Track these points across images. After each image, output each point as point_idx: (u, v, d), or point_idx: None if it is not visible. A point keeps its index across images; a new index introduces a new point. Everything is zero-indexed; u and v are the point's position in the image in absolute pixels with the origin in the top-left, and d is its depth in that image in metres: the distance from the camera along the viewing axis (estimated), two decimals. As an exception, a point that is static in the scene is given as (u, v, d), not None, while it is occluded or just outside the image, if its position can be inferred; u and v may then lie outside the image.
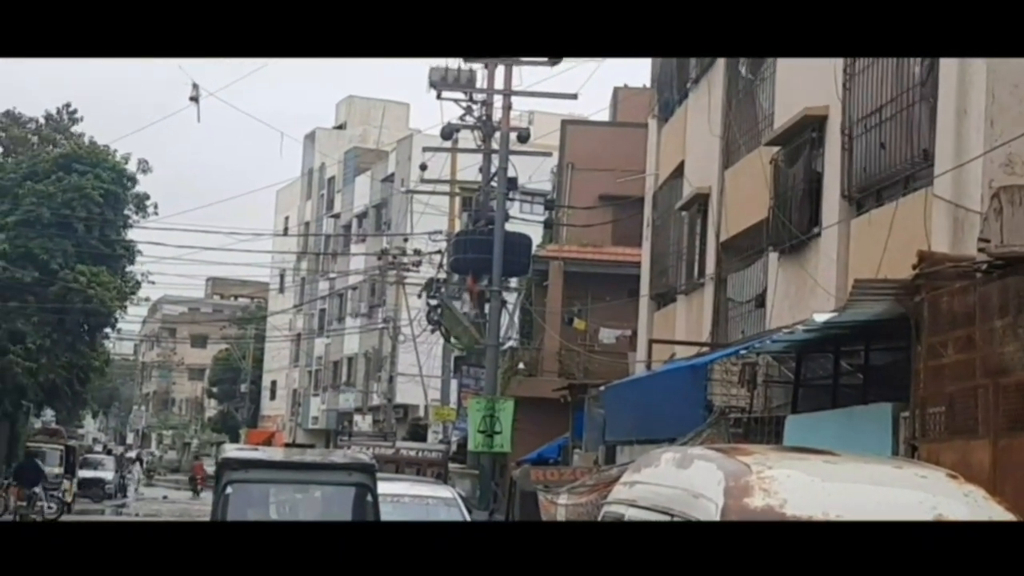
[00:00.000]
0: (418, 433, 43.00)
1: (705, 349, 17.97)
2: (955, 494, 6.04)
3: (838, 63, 14.15)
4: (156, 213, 46.52)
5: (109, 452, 65.47)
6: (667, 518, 6.48)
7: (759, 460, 6.31)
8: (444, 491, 18.17)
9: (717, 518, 5.85)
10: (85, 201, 43.35)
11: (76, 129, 49.95)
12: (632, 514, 7.26)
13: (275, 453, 15.74)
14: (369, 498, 11.93)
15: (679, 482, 6.70)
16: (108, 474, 51.85)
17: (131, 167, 46.55)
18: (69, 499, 40.71)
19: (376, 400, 51.97)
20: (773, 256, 16.71)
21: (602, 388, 19.68)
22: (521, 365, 32.28)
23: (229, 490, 11.54)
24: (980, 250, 7.72)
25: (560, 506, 13.20)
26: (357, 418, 54.27)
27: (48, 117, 50.77)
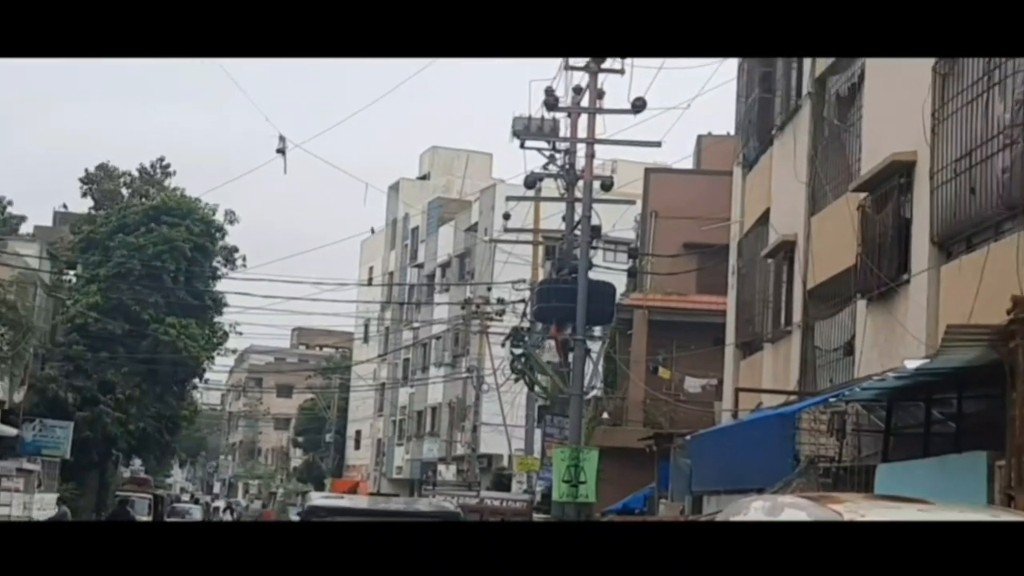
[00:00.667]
0: (502, 483, 42.91)
1: (793, 398, 17.77)
2: (1055, 544, 5.88)
3: (927, 109, 14.00)
4: (244, 266, 47.21)
5: (196, 501, 66.11)
6: (758, 568, 6.39)
7: (851, 508, 6.21)
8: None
9: (809, 568, 5.76)
10: (175, 253, 44.06)
11: (168, 183, 50.90)
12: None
13: (360, 501, 15.78)
14: (454, 547, 11.89)
15: (770, 531, 6.61)
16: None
17: (219, 218, 47.30)
18: (157, 548, 41.06)
19: (460, 450, 51.98)
20: (861, 303, 16.51)
21: (688, 437, 19.52)
22: (605, 415, 32.12)
23: (316, 538, 11.56)
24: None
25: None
26: (441, 467, 54.31)
27: (142, 171, 51.78)
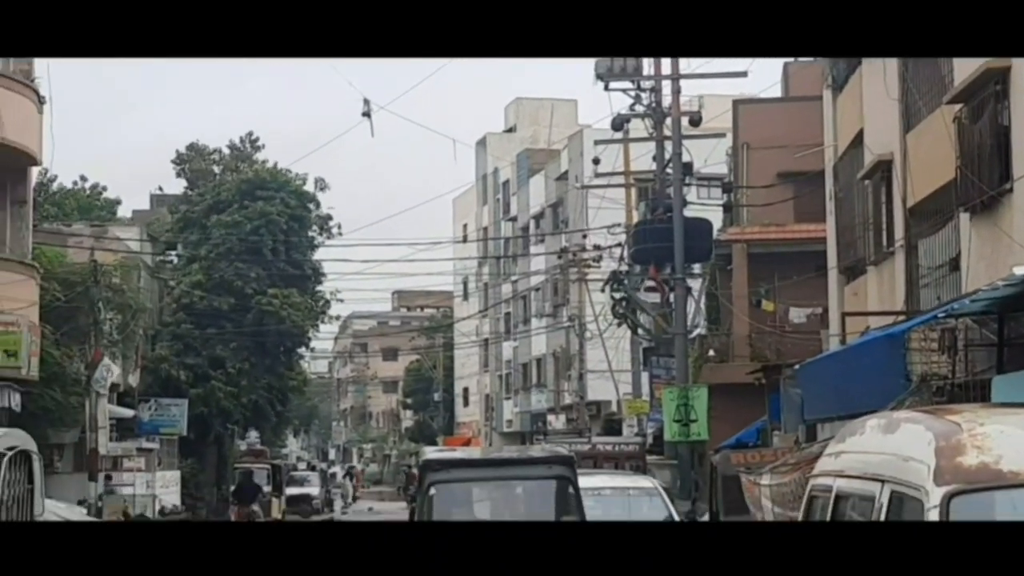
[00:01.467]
0: (612, 428, 42.98)
1: (900, 318, 17.52)
2: None
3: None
4: (340, 233, 47.61)
5: (313, 468, 67.09)
6: (878, 485, 6.32)
7: (969, 418, 6.11)
8: (645, 481, 18.14)
9: (930, 479, 5.69)
10: (271, 227, 44.56)
11: (258, 156, 51.42)
12: (840, 484, 7.12)
13: (474, 452, 15.90)
14: (571, 490, 11.94)
15: (887, 447, 6.53)
16: (314, 490, 53.12)
17: (309, 187, 47.71)
18: (279, 516, 41.83)
19: (568, 399, 52.11)
20: (964, 217, 16.23)
21: (796, 367, 19.34)
22: (711, 352, 32.00)
23: (432, 491, 11.67)
24: None
25: (763, 487, 13.01)
26: (550, 418, 54.51)
27: (232, 147, 52.32)
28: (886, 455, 6.45)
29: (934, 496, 5.60)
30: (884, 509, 6.18)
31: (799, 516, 11.13)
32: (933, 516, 5.56)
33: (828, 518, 7.20)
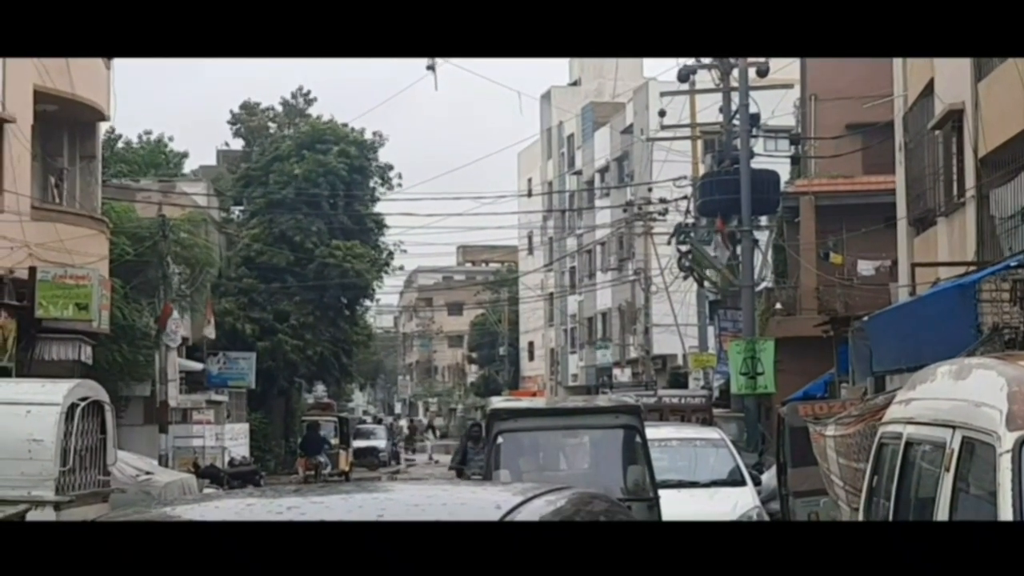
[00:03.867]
0: (678, 382, 42.93)
1: (971, 269, 17.32)
2: None
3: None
4: (400, 184, 47.65)
5: (379, 421, 67.65)
6: (949, 431, 6.29)
7: (1042, 363, 6.06)
8: (712, 433, 18.12)
9: (1002, 424, 5.64)
10: (331, 178, 44.64)
11: (311, 111, 51.50)
12: (911, 431, 7.08)
13: (540, 402, 15.96)
14: (638, 439, 11.96)
15: (958, 393, 6.50)
16: (381, 443, 53.58)
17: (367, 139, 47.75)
18: (346, 468, 42.27)
19: (633, 353, 52.09)
20: (1037, 166, 15.99)
21: (865, 319, 19.21)
22: (778, 305, 31.81)
23: (500, 440, 11.73)
24: None
25: (828, 437, 12.95)
26: (616, 372, 54.53)
27: (284, 103, 52.47)
28: (957, 401, 6.41)
29: (1007, 441, 5.57)
30: (955, 455, 6.15)
31: (866, 466, 11.09)
32: (1006, 461, 5.52)
33: (898, 465, 7.17)
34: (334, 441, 42.33)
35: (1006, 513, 5.40)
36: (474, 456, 19.15)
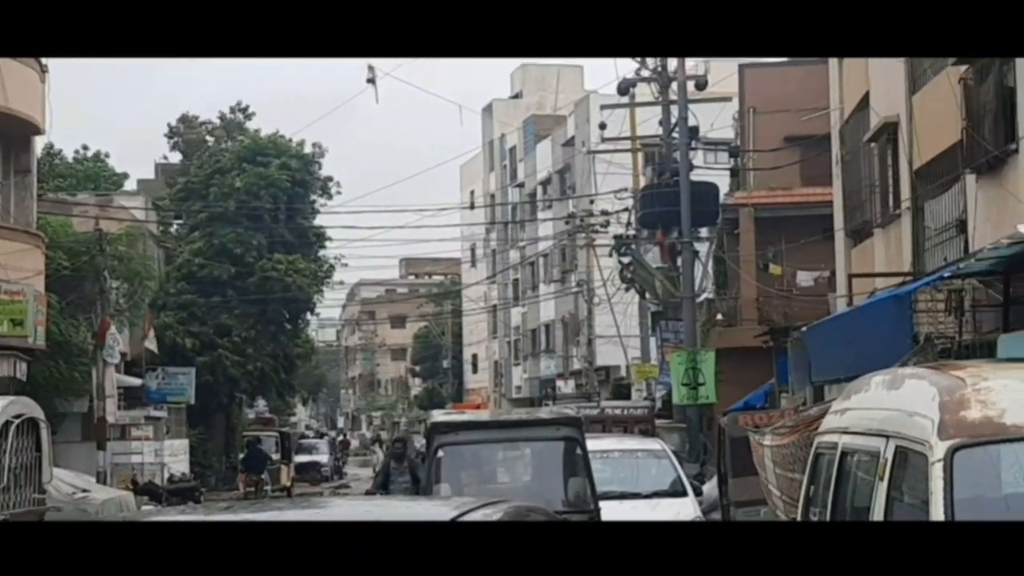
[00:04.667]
0: (621, 393, 43.03)
1: (907, 280, 17.52)
2: None
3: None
4: (340, 192, 47.47)
5: (322, 436, 67.24)
6: (883, 440, 6.35)
7: (973, 373, 6.13)
8: (653, 444, 18.18)
9: (934, 434, 5.71)
10: (273, 191, 44.40)
11: (250, 125, 51.26)
12: (846, 441, 7.14)
13: (482, 415, 15.95)
14: (578, 451, 11.97)
15: (892, 403, 6.56)
16: (323, 457, 53.24)
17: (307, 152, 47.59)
18: (288, 483, 41.99)
19: (577, 364, 52.18)
20: (970, 178, 16.20)
21: (804, 329, 19.35)
22: (719, 316, 32.01)
23: (440, 453, 11.71)
24: None
25: (766, 447, 13.04)
26: (559, 383, 54.59)
27: (222, 117, 52.18)
28: (891, 411, 6.47)
29: (938, 450, 5.63)
30: (889, 464, 6.21)
31: (801, 477, 11.17)
32: (937, 470, 5.58)
33: (834, 474, 7.23)
34: (275, 456, 42.04)
35: (938, 519, 5.46)
36: (397, 477, 17.25)
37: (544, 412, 14.44)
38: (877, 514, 6.22)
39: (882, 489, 6.24)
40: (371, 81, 31.30)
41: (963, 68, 16.06)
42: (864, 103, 22.23)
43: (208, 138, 51.91)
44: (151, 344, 37.04)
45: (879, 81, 21.18)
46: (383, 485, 17.62)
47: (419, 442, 53.76)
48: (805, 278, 29.56)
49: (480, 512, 4.44)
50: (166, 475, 34.76)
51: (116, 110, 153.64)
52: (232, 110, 52.29)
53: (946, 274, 13.45)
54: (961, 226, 16.85)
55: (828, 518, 7.27)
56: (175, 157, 52.71)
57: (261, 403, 57.16)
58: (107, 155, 51.62)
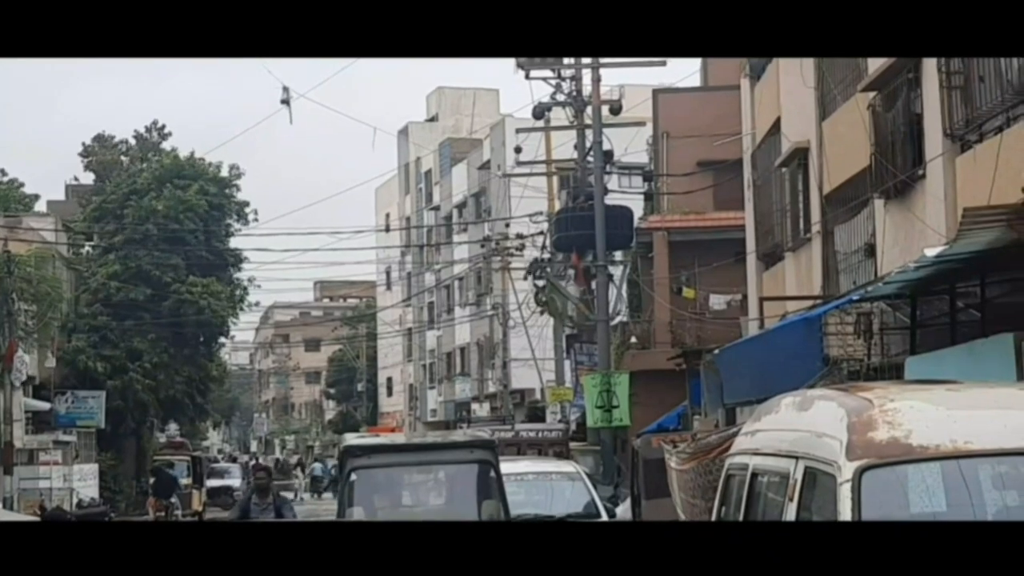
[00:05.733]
0: (536, 416, 43.10)
1: (817, 303, 17.75)
2: (1087, 411, 5.89)
3: None
4: (256, 219, 47.19)
5: (234, 460, 66.57)
6: (792, 461, 6.42)
7: (880, 394, 6.23)
8: (567, 466, 18.21)
9: (842, 455, 5.79)
10: (190, 214, 44.03)
11: (165, 146, 50.76)
12: (756, 462, 7.21)
13: (396, 438, 15.88)
14: (492, 474, 11.97)
15: (801, 424, 6.64)
16: (235, 481, 52.67)
17: (224, 174, 47.27)
18: (200, 508, 41.49)
19: (492, 387, 52.19)
20: (879, 203, 16.47)
21: (716, 352, 19.53)
22: (633, 339, 32.19)
23: (353, 477, 11.65)
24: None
25: (673, 470, 13.15)
26: (475, 406, 54.57)
27: (138, 136, 51.61)
28: (800, 432, 6.55)
29: (846, 471, 5.70)
30: (798, 485, 6.28)
31: (701, 503, 11.26)
32: (845, 490, 5.66)
33: (744, 496, 7.30)
34: (186, 481, 41.55)
35: (846, 541, 5.52)
36: (258, 515, 14.32)
37: (458, 435, 14.43)
38: (787, 534, 6.28)
39: (791, 510, 6.31)
40: (285, 102, 31.18)
41: (871, 94, 16.34)
42: (776, 128, 22.53)
43: (123, 158, 51.26)
44: (51, 362, 36.47)
45: (790, 107, 21.49)
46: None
47: (331, 463, 53.29)
48: (718, 301, 29.85)
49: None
50: (75, 500, 34.19)
51: (27, 130, 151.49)
52: (148, 130, 51.71)
53: (855, 297, 13.66)
54: (870, 250, 17.12)
55: (739, 539, 7.33)
56: (88, 178, 51.99)
57: (173, 427, 56.48)
58: (22, 184, 50.76)
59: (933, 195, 14.44)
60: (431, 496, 12.82)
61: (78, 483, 36.15)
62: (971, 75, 13.51)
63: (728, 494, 7.86)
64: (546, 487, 16.42)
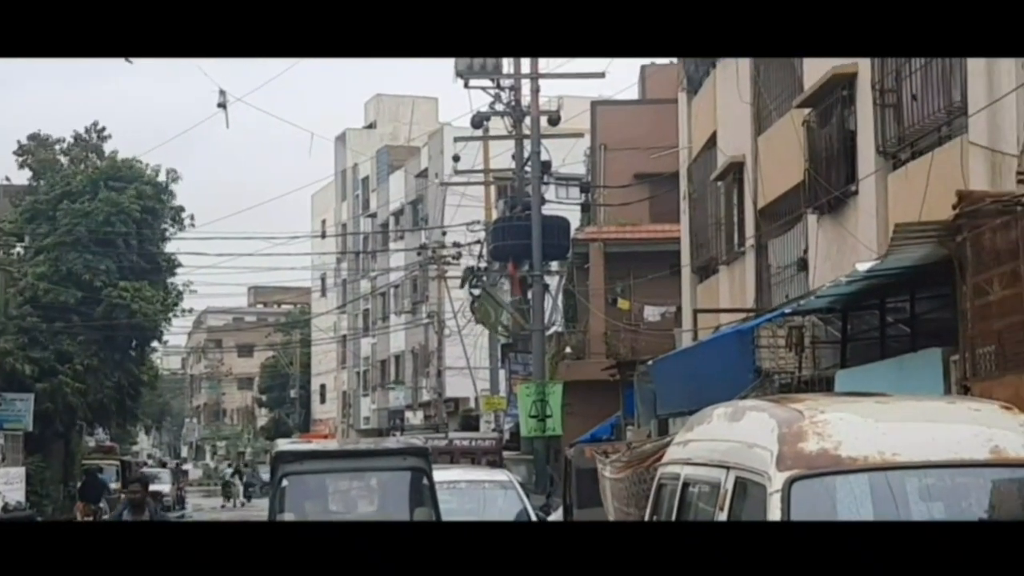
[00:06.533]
0: (470, 424, 43.10)
1: (750, 316, 17.91)
2: (1011, 425, 6.02)
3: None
4: (193, 225, 46.81)
5: (164, 465, 65.96)
6: (723, 471, 6.49)
7: (811, 406, 6.32)
8: (500, 475, 18.23)
9: (773, 465, 5.86)
10: (123, 217, 43.63)
11: (106, 147, 50.18)
12: (688, 472, 7.28)
13: (328, 444, 15.83)
14: (425, 481, 11.97)
15: (733, 435, 6.72)
16: (165, 487, 52.19)
17: (162, 178, 46.84)
18: (129, 513, 41.00)
19: (426, 396, 52.11)
20: (812, 218, 16.64)
21: (650, 363, 19.67)
22: (568, 349, 32.27)
23: (285, 483, 11.60)
24: (1020, 182, 7.65)
25: (606, 479, 13.22)
26: (408, 415, 54.44)
27: (77, 137, 51.00)
28: (732, 442, 6.63)
29: (776, 481, 5.78)
30: (729, 495, 6.35)
31: (635, 512, 11.32)
32: (775, 500, 5.73)
33: (675, 505, 7.36)
34: (115, 486, 41.09)
35: (775, 550, 5.59)
36: None
37: (391, 442, 14.40)
38: (717, 544, 6.35)
39: (721, 519, 6.37)
40: (222, 106, 30.97)
41: (807, 111, 16.53)
42: (712, 142, 22.71)
43: (61, 158, 50.60)
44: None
45: (726, 121, 21.67)
46: None
47: (266, 474, 52.84)
48: (652, 313, 30.01)
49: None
50: (0, 504, 33.69)
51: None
52: (87, 130, 51.07)
53: (788, 311, 13.80)
54: (803, 264, 17.30)
55: (670, 548, 7.39)
56: (22, 176, 51.21)
57: (102, 431, 55.86)
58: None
59: (865, 211, 14.62)
60: (363, 503, 12.79)
61: (4, 486, 35.60)
62: (903, 94, 13.71)
63: (659, 503, 7.92)
64: (479, 495, 16.44)
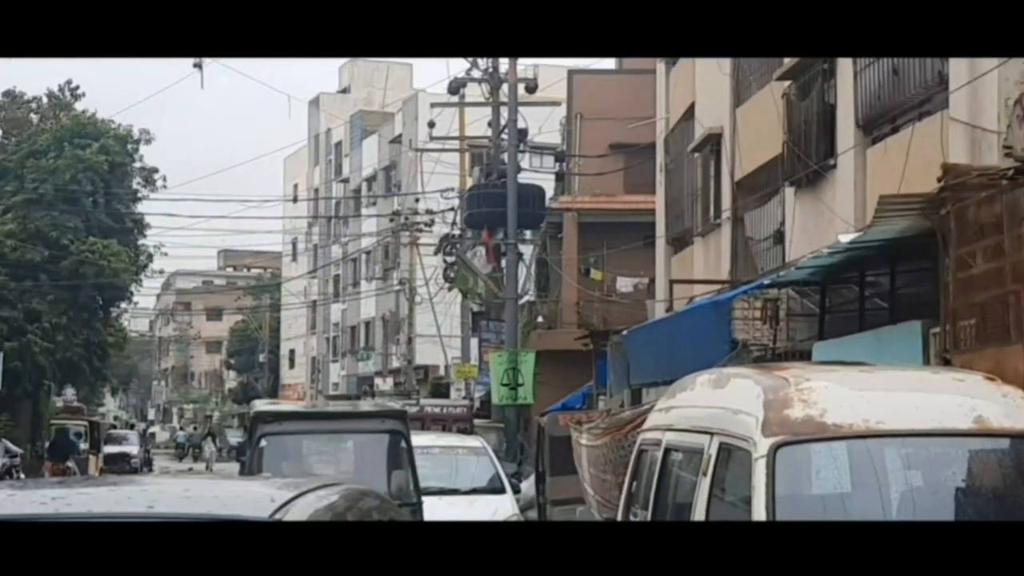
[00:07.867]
0: (440, 392, 43.13)
1: (725, 288, 17.97)
2: (993, 396, 6.08)
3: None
4: (165, 186, 46.57)
5: (132, 427, 65.87)
6: (707, 437, 6.53)
7: (796, 374, 6.37)
8: (473, 441, 18.30)
9: (758, 431, 5.90)
10: (90, 174, 43.31)
11: (79, 106, 49.83)
12: (670, 438, 7.32)
13: (307, 405, 15.85)
14: (403, 444, 12.00)
15: (717, 401, 6.76)
16: (133, 448, 52.19)
17: (134, 138, 46.54)
18: (96, 473, 40.97)
19: (396, 363, 52.12)
20: (789, 191, 16.70)
21: (624, 333, 19.71)
22: (540, 318, 32.34)
23: (263, 443, 11.61)
24: (1007, 155, 7.70)
25: (583, 446, 13.27)
26: (378, 381, 54.43)
27: (50, 95, 50.61)
28: (716, 408, 6.67)
29: (761, 447, 5.82)
30: (712, 460, 6.39)
31: (612, 478, 11.38)
32: (760, 466, 5.77)
33: (657, 471, 7.40)
34: (84, 446, 41.03)
35: (759, 515, 5.64)
36: None
37: (369, 404, 14.42)
38: (699, 510, 6.39)
39: (705, 485, 6.41)
40: (198, 66, 30.79)
41: (786, 84, 16.55)
42: (689, 114, 22.73)
43: (33, 116, 50.20)
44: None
45: (705, 92, 21.69)
46: None
47: (233, 438, 52.56)
48: (625, 284, 30.09)
49: (316, 494, 4.45)
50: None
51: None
52: (61, 88, 50.67)
53: (766, 282, 13.85)
54: (779, 237, 17.36)
55: (650, 514, 7.44)
56: (-5, 134, 50.76)
57: (70, 392, 55.67)
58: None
59: (843, 185, 14.68)
60: (342, 464, 12.82)
61: (-29, 444, 35.48)
62: (884, 67, 13.74)
63: (640, 469, 7.97)
64: (452, 461, 16.49)
